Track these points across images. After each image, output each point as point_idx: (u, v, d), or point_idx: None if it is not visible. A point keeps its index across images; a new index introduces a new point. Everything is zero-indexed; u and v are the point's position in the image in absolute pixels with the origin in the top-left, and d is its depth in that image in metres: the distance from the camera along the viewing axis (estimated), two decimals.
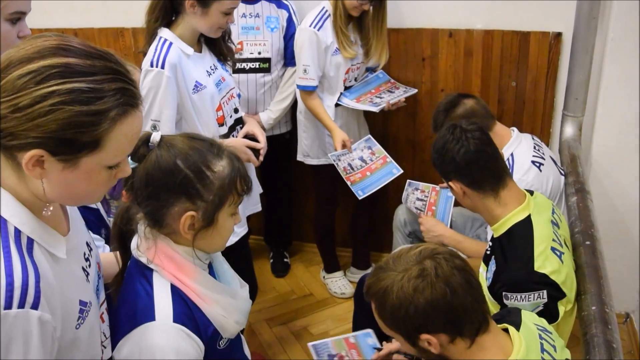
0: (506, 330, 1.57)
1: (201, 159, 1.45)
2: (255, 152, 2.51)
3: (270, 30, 3.22)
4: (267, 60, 3.24)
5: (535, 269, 1.89)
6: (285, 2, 3.26)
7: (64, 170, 1.09)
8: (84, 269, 1.29)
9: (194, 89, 2.37)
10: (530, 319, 1.64)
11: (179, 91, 2.33)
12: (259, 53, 3.22)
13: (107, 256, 1.64)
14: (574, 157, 2.74)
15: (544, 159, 2.50)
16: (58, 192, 1.13)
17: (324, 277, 3.70)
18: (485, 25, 3.15)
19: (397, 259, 1.50)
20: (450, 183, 2.09)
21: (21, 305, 1.04)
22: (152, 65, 2.28)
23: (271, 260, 3.89)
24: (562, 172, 2.61)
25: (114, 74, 1.10)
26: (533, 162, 2.45)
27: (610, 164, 2.97)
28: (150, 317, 1.40)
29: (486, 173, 2.01)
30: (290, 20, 3.26)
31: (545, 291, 1.87)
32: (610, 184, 3.01)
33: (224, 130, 2.51)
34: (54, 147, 1.06)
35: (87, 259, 1.32)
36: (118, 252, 1.56)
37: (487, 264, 2.05)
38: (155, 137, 1.46)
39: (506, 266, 1.96)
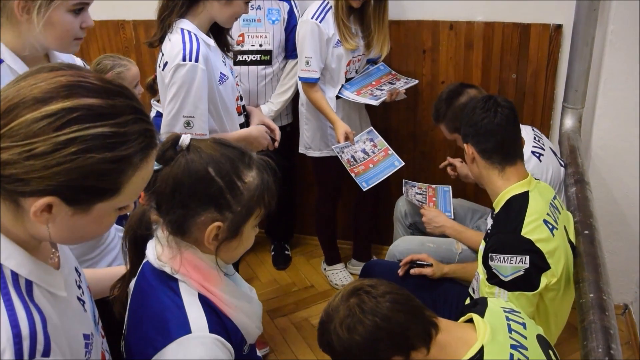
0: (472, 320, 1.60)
1: (233, 169, 1.37)
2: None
3: (272, 23, 3.23)
4: (269, 52, 3.24)
5: (522, 234, 1.96)
6: None
7: (74, 215, 1.02)
8: (79, 299, 1.23)
9: (219, 80, 2.33)
10: (496, 303, 1.68)
11: (208, 84, 2.27)
12: (260, 45, 3.23)
13: (94, 272, 1.59)
14: (573, 149, 2.75)
15: (543, 150, 2.52)
16: (64, 235, 1.07)
17: (325, 269, 3.72)
18: (485, 17, 3.16)
19: (327, 309, 1.53)
20: (465, 145, 2.16)
21: (32, 355, 0.97)
22: (184, 60, 2.19)
23: (272, 253, 3.91)
24: (562, 163, 2.62)
25: (135, 114, 1.03)
26: (533, 152, 2.47)
27: (610, 155, 2.98)
28: (186, 329, 1.33)
29: (499, 148, 2.08)
30: (291, 13, 3.26)
31: (528, 257, 1.93)
32: (609, 176, 3.02)
33: (242, 119, 2.52)
34: (70, 195, 0.99)
35: (79, 286, 1.26)
36: (129, 257, 1.49)
37: (486, 241, 2.09)
38: (185, 139, 1.38)
39: (496, 230, 2.04)
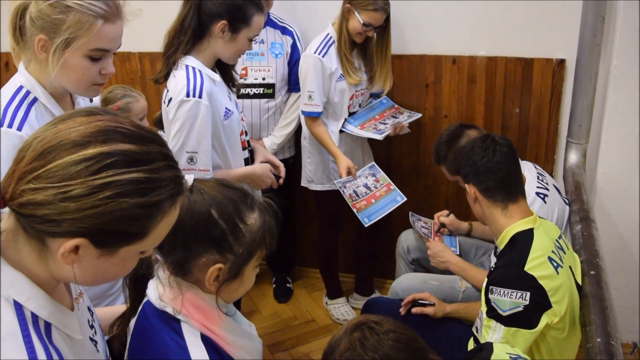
0: None
1: (236, 211, 1.38)
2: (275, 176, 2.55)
3: (275, 56, 3.23)
4: (271, 85, 3.25)
5: (526, 269, 1.94)
6: (289, 28, 3.28)
7: (100, 257, 1.04)
8: (91, 339, 1.24)
9: (224, 115, 2.34)
10: (502, 349, 1.65)
11: (212, 120, 2.28)
12: (263, 79, 3.23)
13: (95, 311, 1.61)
14: (578, 185, 2.72)
15: (548, 190, 2.50)
16: (87, 276, 1.07)
17: (326, 303, 3.68)
18: (488, 51, 3.16)
19: (331, 341, 1.50)
20: (466, 186, 2.16)
21: None
22: (188, 95, 2.21)
23: (274, 286, 3.87)
24: (567, 201, 2.60)
25: (167, 161, 1.06)
26: (537, 193, 2.45)
27: (615, 191, 2.95)
28: None
29: (501, 185, 2.08)
30: (294, 47, 3.27)
31: (529, 293, 1.90)
32: (615, 212, 2.99)
33: (246, 154, 2.51)
34: (100, 237, 1.01)
35: (92, 326, 1.27)
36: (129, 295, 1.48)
37: (488, 277, 2.07)
38: (188, 180, 1.36)
39: (500, 264, 2.03)
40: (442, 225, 2.89)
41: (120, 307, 1.59)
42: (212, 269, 1.36)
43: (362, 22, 2.88)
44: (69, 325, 1.11)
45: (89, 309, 1.30)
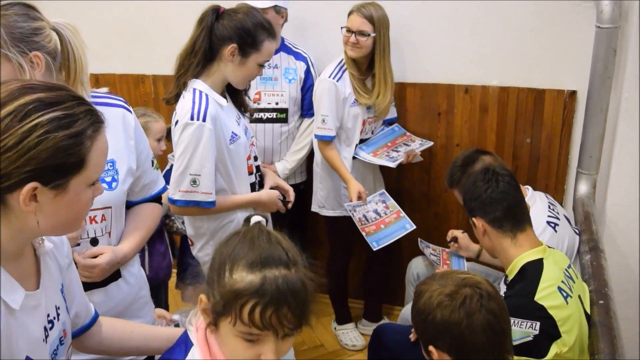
0: None
1: (230, 258, 1.31)
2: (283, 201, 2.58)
3: (288, 82, 3.27)
4: (284, 110, 3.28)
5: (536, 299, 1.95)
6: (303, 54, 3.32)
7: (56, 197, 1.17)
8: (45, 329, 1.31)
9: (231, 139, 2.36)
10: None
11: (217, 144, 2.31)
12: (277, 103, 3.27)
13: (154, 329, 1.65)
14: (588, 215, 2.73)
15: (558, 219, 2.51)
16: (51, 223, 1.20)
17: (335, 328, 3.68)
18: (501, 82, 3.19)
19: (445, 274, 1.57)
20: (474, 219, 2.17)
21: None
22: (192, 119, 2.25)
23: None
24: (577, 231, 2.61)
25: (77, 100, 1.20)
26: (548, 222, 2.46)
27: (625, 222, 2.95)
28: None
29: (508, 214, 2.10)
30: (308, 72, 3.31)
31: (538, 323, 1.91)
32: (624, 242, 2.99)
33: (253, 179, 2.54)
34: (46, 176, 1.14)
35: (50, 321, 1.33)
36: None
37: None
38: (255, 219, 1.44)
39: (509, 294, 2.05)
40: (455, 239, 2.89)
41: (177, 331, 1.66)
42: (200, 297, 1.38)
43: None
44: (10, 292, 1.20)
45: (57, 308, 1.37)
